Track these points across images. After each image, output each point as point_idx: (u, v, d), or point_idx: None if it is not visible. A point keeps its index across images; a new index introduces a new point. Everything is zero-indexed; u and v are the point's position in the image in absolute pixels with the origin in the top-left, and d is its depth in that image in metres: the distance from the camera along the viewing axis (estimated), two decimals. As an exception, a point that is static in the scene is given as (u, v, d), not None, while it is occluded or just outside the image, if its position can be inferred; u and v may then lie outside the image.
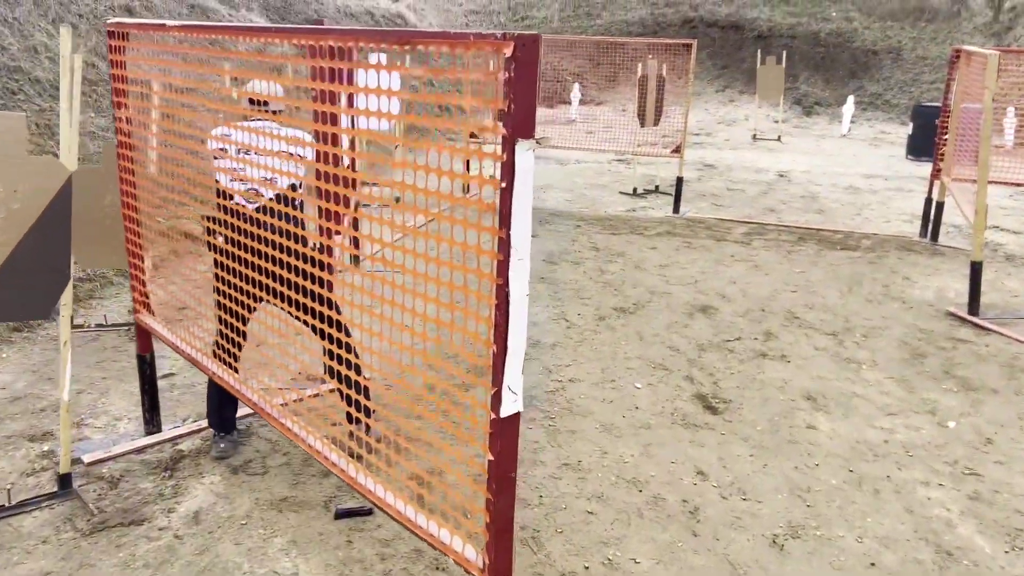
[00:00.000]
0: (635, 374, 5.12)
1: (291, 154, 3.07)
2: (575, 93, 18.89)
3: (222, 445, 3.91)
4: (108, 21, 3.48)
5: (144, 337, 3.93)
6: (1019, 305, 6.76)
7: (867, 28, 21.91)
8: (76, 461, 3.76)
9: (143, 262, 3.81)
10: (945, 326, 6.21)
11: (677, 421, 4.50)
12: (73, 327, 5.38)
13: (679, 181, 9.96)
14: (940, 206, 8.71)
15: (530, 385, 4.87)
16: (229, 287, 3.24)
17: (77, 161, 3.60)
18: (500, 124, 1.85)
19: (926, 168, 13.89)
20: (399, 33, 2.12)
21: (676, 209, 9.99)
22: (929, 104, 15.23)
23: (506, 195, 1.88)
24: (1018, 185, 8.73)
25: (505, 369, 1.99)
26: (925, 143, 14.50)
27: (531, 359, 5.29)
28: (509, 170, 1.86)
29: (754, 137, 17.01)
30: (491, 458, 2.02)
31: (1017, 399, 4.91)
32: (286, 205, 3.03)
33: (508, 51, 1.79)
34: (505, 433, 2.01)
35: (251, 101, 3.48)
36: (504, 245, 1.91)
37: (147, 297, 3.88)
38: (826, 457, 4.18)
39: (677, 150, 9.91)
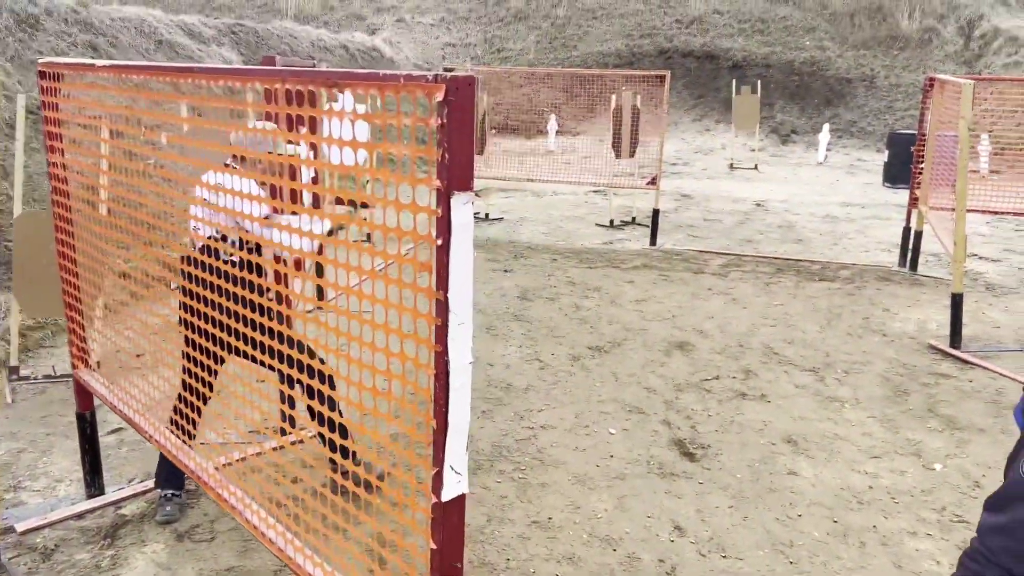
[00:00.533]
0: (610, 419, 4.91)
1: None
2: (552, 124, 18.86)
3: (168, 508, 3.65)
4: (40, 61, 3.28)
5: (83, 394, 3.69)
6: (1001, 336, 6.63)
7: (840, 56, 22.09)
8: (7, 530, 3.49)
9: (81, 312, 3.57)
10: (927, 360, 6.06)
11: (653, 470, 4.29)
12: (19, 378, 5.12)
13: (655, 213, 9.84)
14: (918, 235, 8.62)
15: (500, 433, 4.65)
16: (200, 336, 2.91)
17: (22, 205, 3.39)
18: (435, 176, 1.66)
19: (903, 195, 13.88)
20: (326, 74, 1.94)
21: (653, 241, 9.85)
22: (904, 132, 15.28)
23: (442, 253, 1.69)
24: (996, 213, 8.67)
25: (447, 447, 1.78)
26: (901, 170, 14.53)
27: (503, 404, 5.07)
28: (445, 226, 1.67)
29: (731, 166, 17.00)
30: (433, 547, 1.81)
31: (1004, 438, 4.74)
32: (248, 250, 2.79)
33: (440, 95, 1.60)
34: (449, 518, 1.80)
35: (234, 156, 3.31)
36: (442, 308, 1.71)
37: (86, 351, 3.64)
38: (809, 506, 3.97)
39: (653, 181, 9.80)
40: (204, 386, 2.93)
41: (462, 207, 1.67)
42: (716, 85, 22.00)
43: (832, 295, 7.81)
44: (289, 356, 2.49)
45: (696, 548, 3.59)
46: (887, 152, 14.95)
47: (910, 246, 8.73)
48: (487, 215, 11.26)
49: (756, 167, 16.84)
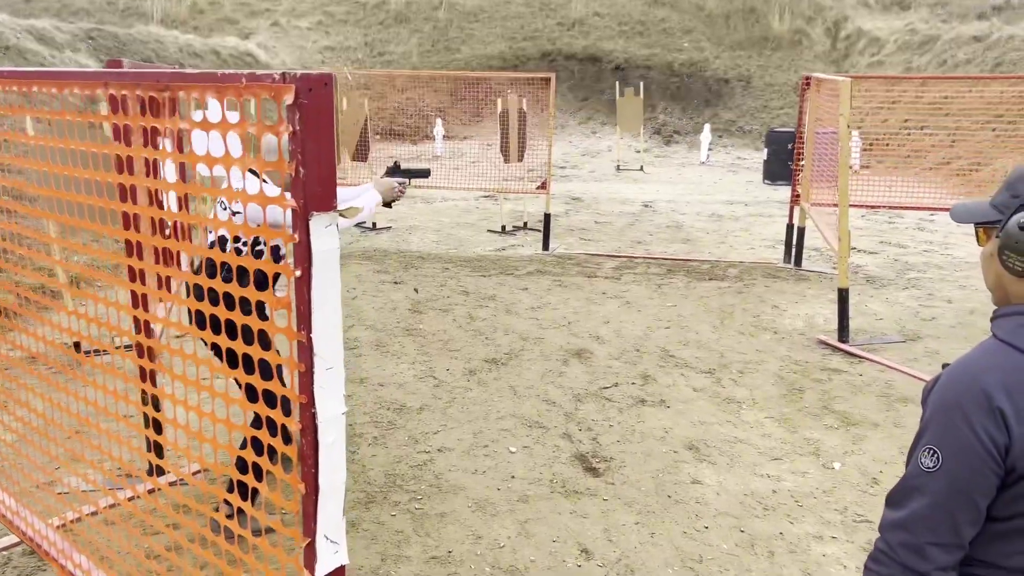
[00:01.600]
0: (510, 436, 4.70)
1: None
2: (438, 129, 18.59)
3: None
4: None
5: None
6: (885, 327, 6.80)
7: (718, 58, 22.75)
8: None
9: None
10: (818, 356, 6.13)
11: (556, 489, 4.10)
12: None
13: (547, 218, 9.73)
14: (801, 231, 8.82)
15: (394, 460, 4.36)
16: None
17: None
18: (288, 194, 1.39)
19: (783, 192, 14.33)
20: (156, 75, 1.63)
21: (546, 246, 9.74)
22: (781, 129, 15.79)
23: (302, 287, 1.41)
24: (872, 207, 8.97)
25: (319, 514, 1.50)
26: (780, 167, 15.01)
27: (396, 428, 4.78)
28: (304, 253, 1.39)
29: (618, 168, 17.17)
30: (308, 634, 1.53)
31: (898, 432, 4.80)
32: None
33: (289, 97, 1.33)
34: (325, 597, 1.53)
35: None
36: (305, 352, 1.43)
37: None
38: (715, 517, 3.87)
39: (543, 186, 9.69)
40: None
41: (323, 231, 1.40)
42: (600, 87, 22.26)
43: (723, 294, 7.86)
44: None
45: (604, 572, 3.41)
46: (766, 150, 15.42)
47: (794, 242, 8.93)
48: (374, 224, 10.89)
49: (642, 168, 17.07)
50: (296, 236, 1.39)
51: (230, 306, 1.65)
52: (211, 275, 2.95)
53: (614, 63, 22.78)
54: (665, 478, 4.24)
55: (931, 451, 1.45)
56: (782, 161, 15.11)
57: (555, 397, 5.29)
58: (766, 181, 15.38)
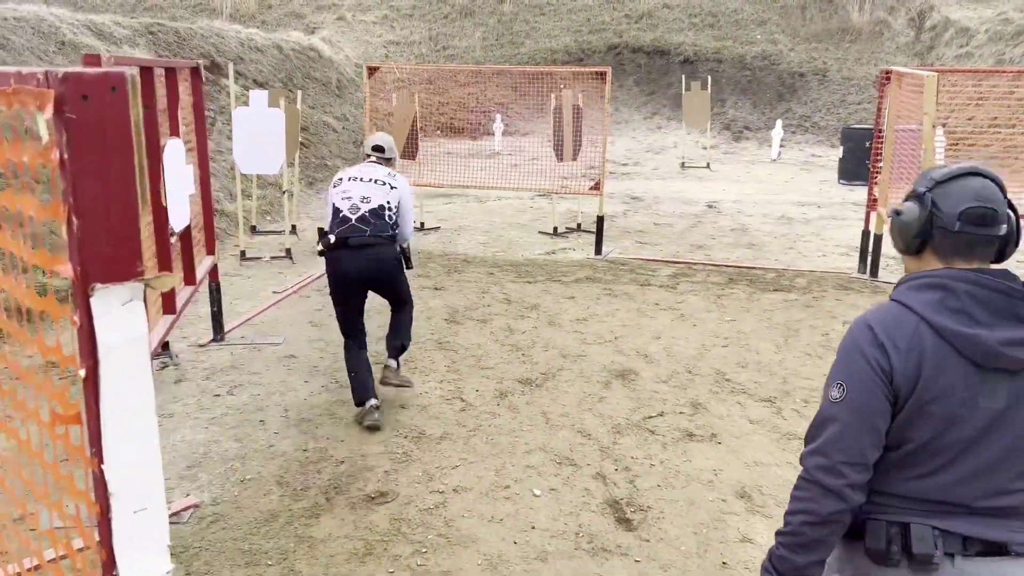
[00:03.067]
0: (535, 475, 4.19)
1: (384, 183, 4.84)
2: (497, 124, 18.14)
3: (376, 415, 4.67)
4: None
5: None
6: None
7: (792, 50, 21.71)
8: None
9: None
10: (895, 385, 5.45)
11: (582, 545, 3.58)
12: None
13: (600, 220, 9.16)
14: (878, 239, 8.06)
15: (403, 502, 3.91)
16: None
17: None
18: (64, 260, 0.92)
19: (859, 193, 13.42)
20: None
21: (598, 250, 9.17)
22: (858, 126, 14.84)
23: (88, 394, 0.94)
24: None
25: None
26: (856, 166, 14.09)
27: (411, 460, 4.33)
28: (87, 346, 0.92)
29: (683, 165, 16.44)
30: None
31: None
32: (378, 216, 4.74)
33: (49, 109, 0.86)
34: None
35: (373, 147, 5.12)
36: (100, 488, 0.96)
37: None
38: (767, 588, 3.29)
39: (596, 186, 9.12)
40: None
41: (120, 311, 0.92)
42: (667, 81, 21.48)
43: (789, 307, 7.19)
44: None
45: (628, 658, 2.89)
46: (841, 148, 14.49)
47: (869, 251, 8.17)
48: (422, 224, 10.49)
49: (708, 166, 16.30)
50: (76, 318, 0.91)
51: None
52: None
53: (682, 56, 21.96)
54: (710, 535, 3.68)
55: (838, 385, 1.79)
56: (859, 160, 14.17)
57: (591, 427, 4.76)
58: (841, 181, 14.46)
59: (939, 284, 1.74)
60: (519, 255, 9.23)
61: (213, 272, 5.99)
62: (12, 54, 9.80)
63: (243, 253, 8.56)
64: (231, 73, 9.34)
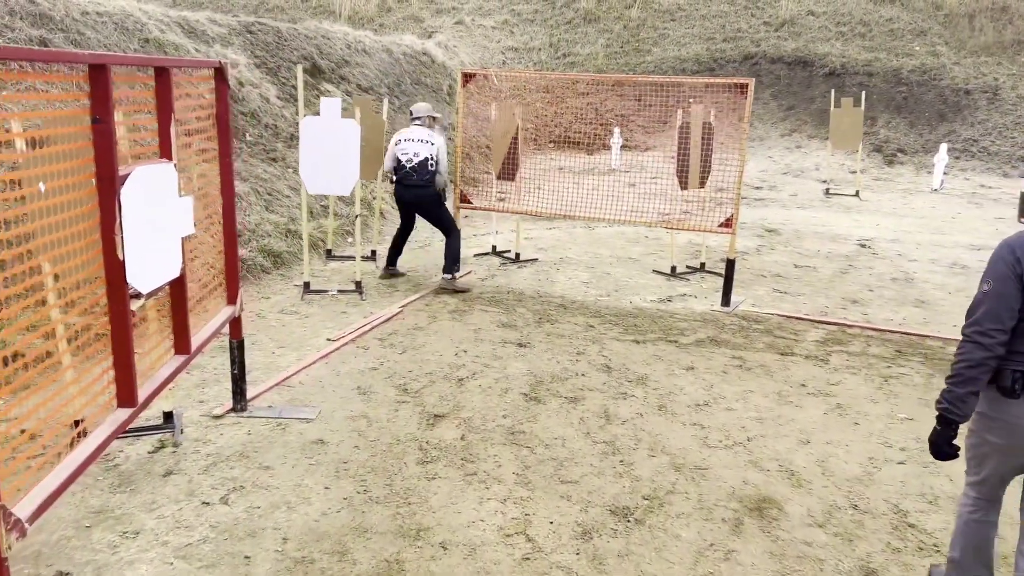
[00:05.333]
0: None
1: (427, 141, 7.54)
2: (615, 139, 16.58)
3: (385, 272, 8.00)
4: None
5: None
6: None
7: (957, 64, 19.14)
8: None
9: None
10: None
11: None
12: None
13: (730, 264, 7.49)
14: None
15: None
16: None
17: None
18: None
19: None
20: None
21: (725, 301, 7.52)
22: (1049, 155, 12.49)
23: None
24: None
25: None
26: (1045, 203, 11.77)
27: (435, 656, 2.90)
28: None
29: (827, 192, 14.41)
30: None
31: None
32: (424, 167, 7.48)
33: None
34: None
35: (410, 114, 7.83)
36: None
37: None
38: None
39: (728, 223, 7.47)
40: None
41: None
42: (809, 95, 19.35)
43: (986, 404, 5.36)
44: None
45: None
46: (1025, 180, 12.18)
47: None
48: (517, 255, 9.09)
49: (857, 194, 14.21)
50: None
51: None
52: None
53: (828, 68, 19.75)
54: None
55: (987, 281, 2.88)
56: (1049, 195, 11.84)
57: (713, 612, 3.20)
58: (1023, 220, 12.14)
59: None
60: (627, 301, 7.68)
61: (234, 326, 4.76)
62: (84, 47, 9.03)
63: (307, 285, 7.39)
64: (289, 74, 8.20)
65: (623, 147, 17.03)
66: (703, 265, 8.89)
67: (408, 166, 7.50)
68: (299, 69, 7.16)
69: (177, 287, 3.86)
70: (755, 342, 6.56)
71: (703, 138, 8.00)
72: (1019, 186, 13.07)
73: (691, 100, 8.37)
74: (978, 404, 2.97)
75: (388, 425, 4.73)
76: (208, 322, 4.40)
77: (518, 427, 4.79)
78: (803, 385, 5.68)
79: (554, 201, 8.90)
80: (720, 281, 8.01)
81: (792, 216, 12.38)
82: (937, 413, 3.04)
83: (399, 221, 8.10)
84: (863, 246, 10.35)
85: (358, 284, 7.49)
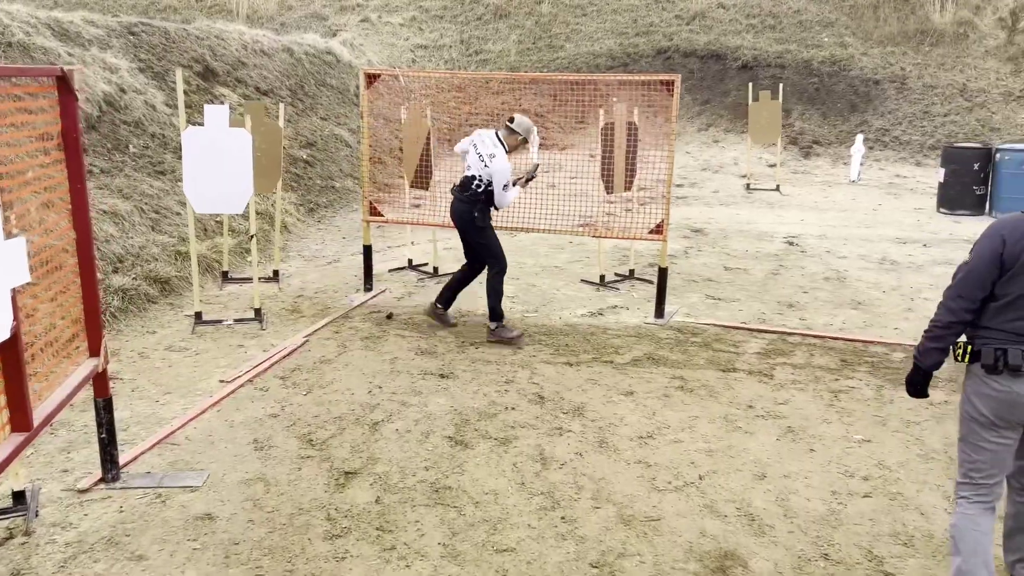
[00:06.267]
0: None
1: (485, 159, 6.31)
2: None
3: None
4: None
5: None
6: None
7: (865, 54, 19.34)
8: None
9: None
10: None
11: None
12: None
13: (662, 274, 7.02)
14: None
15: None
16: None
17: None
18: None
19: (967, 225, 11.14)
20: None
21: (659, 312, 7.05)
22: (963, 145, 12.55)
23: None
24: None
25: None
26: (962, 193, 11.81)
27: None
28: None
29: (748, 187, 14.22)
30: None
31: None
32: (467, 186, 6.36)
33: None
34: None
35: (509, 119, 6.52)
36: None
37: None
38: None
39: (658, 230, 7.00)
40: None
41: None
42: (724, 88, 19.26)
43: (941, 419, 5.02)
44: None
45: None
46: (942, 171, 12.17)
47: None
48: (435, 269, 8.45)
49: (778, 188, 14.06)
50: None
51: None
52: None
53: (741, 61, 19.70)
54: None
55: (973, 254, 3.04)
56: (965, 185, 11.87)
57: None
58: (942, 210, 12.16)
59: None
60: (556, 317, 7.14)
61: (98, 382, 3.99)
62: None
63: (198, 315, 6.59)
64: (177, 78, 7.39)
65: (541, 146, 16.54)
66: (632, 272, 8.43)
67: (459, 178, 6.51)
68: (179, 72, 6.36)
69: (9, 351, 3.10)
70: (694, 358, 6.10)
71: (627, 139, 7.52)
72: (933, 176, 13.12)
73: (614, 100, 7.89)
74: (965, 384, 3.17)
75: (289, 489, 4.04)
76: (63, 383, 3.64)
77: (443, 481, 4.17)
78: (750, 406, 5.23)
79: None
80: (651, 289, 7.57)
81: (716, 214, 12.10)
82: (913, 358, 3.37)
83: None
84: (791, 244, 10.09)
85: (257, 312, 6.73)
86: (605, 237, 7.60)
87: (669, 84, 6.76)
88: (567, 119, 18.69)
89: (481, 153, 6.32)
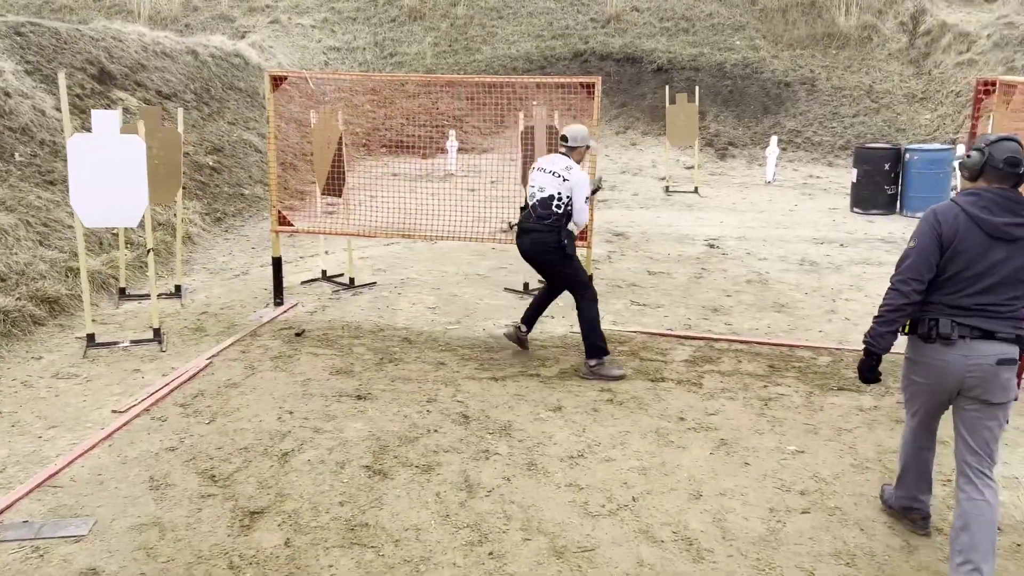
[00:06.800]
0: None
1: (559, 174, 5.62)
2: (451, 142, 15.79)
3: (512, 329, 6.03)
4: None
5: None
6: None
7: (775, 57, 19.73)
8: None
9: None
10: None
11: None
12: None
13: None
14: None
15: None
16: None
17: None
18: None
19: (881, 225, 11.35)
20: None
21: (585, 321, 6.83)
22: (875, 146, 12.83)
23: None
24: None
25: None
26: (874, 193, 12.04)
27: None
28: None
29: (667, 189, 14.23)
30: None
31: None
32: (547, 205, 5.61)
33: None
34: None
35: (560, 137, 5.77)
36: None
37: None
38: None
39: (582, 235, 6.80)
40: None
41: None
42: (640, 91, 19.35)
43: (872, 425, 4.96)
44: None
45: None
46: (855, 171, 12.39)
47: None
48: (351, 280, 8.06)
49: (696, 190, 14.12)
50: None
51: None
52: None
53: (656, 64, 19.83)
54: None
55: (915, 238, 3.32)
56: (877, 185, 12.11)
57: None
58: (855, 209, 12.38)
59: (975, 193, 3.26)
60: (480, 328, 6.86)
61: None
62: None
63: (91, 337, 6.06)
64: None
65: (460, 150, 16.26)
66: (556, 279, 8.20)
67: (530, 202, 5.72)
68: (62, 74, 5.82)
69: None
70: (622, 368, 5.91)
71: (548, 143, 7.30)
72: (845, 176, 13.36)
73: (534, 103, 7.66)
74: (906, 351, 3.51)
75: (187, 535, 3.64)
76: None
77: (359, 518, 3.84)
78: (681, 419, 5.06)
79: (389, 214, 7.94)
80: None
81: (636, 217, 12.03)
82: (863, 346, 3.54)
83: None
84: (712, 246, 10.06)
85: (156, 331, 6.24)
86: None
87: (590, 87, 6.57)
88: (486, 122, 18.47)
89: (553, 170, 5.65)
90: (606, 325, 6.94)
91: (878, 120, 17.52)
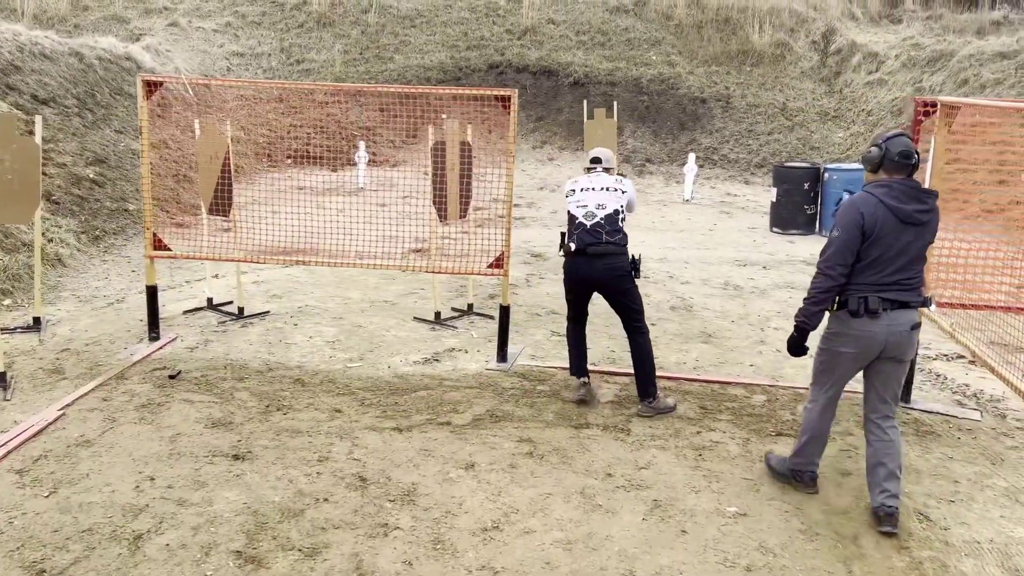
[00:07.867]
0: None
1: (615, 189, 5.25)
2: (361, 153, 15.00)
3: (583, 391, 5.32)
4: None
5: None
6: None
7: (691, 73, 19.67)
8: None
9: None
10: None
11: None
12: None
13: (504, 313, 6.22)
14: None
15: None
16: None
17: None
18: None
19: (801, 246, 11.15)
20: None
21: (502, 356, 6.24)
22: (794, 165, 12.68)
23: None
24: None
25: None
26: (794, 213, 11.86)
27: None
28: None
29: (585, 206, 13.79)
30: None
31: None
32: (614, 222, 5.17)
33: None
34: None
35: (592, 160, 5.42)
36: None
37: None
38: None
39: (499, 263, 6.19)
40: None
41: None
42: (557, 105, 18.96)
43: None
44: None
45: None
46: (774, 190, 12.20)
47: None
48: (241, 310, 7.24)
49: (616, 207, 13.72)
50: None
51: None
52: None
53: (572, 77, 19.50)
54: None
55: (838, 228, 3.74)
56: (796, 204, 11.94)
57: None
58: (775, 229, 12.18)
59: (886, 184, 3.75)
60: (384, 367, 6.16)
61: None
62: None
63: (-84, 385, 5.09)
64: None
65: (370, 162, 15.50)
66: (471, 307, 7.59)
67: (590, 223, 5.12)
68: None
69: None
70: (543, 412, 5.31)
71: (462, 160, 6.69)
72: (763, 194, 13.20)
73: (443, 116, 7.04)
74: (830, 326, 3.94)
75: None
76: None
77: (222, 627, 3.10)
78: (609, 474, 4.49)
79: (289, 233, 7.17)
80: (493, 326, 6.76)
81: (555, 237, 11.51)
82: (795, 324, 3.98)
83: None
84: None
85: (2, 376, 5.32)
86: (439, 272, 6.68)
87: (505, 100, 5.98)
88: (398, 133, 17.76)
89: (606, 186, 5.23)
90: (523, 360, 6.35)
91: (792, 138, 17.57)
